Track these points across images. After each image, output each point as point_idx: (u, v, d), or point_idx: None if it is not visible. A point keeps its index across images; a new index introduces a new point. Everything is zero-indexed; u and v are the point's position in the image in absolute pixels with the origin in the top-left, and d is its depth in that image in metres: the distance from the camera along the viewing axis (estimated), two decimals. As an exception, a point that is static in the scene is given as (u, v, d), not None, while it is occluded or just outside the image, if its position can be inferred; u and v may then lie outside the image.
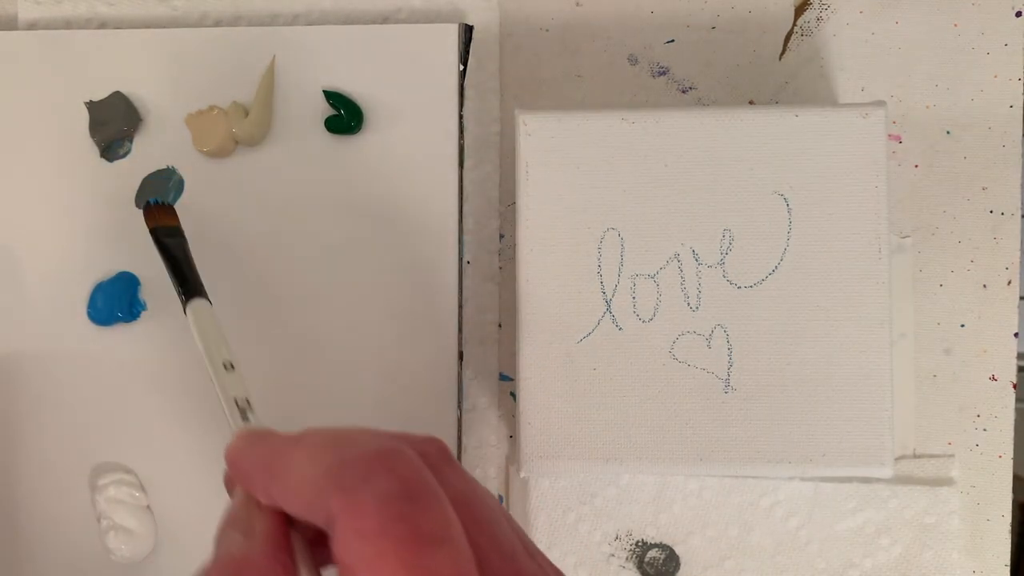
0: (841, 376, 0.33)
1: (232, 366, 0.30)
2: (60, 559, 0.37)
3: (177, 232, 0.35)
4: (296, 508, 0.22)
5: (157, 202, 0.35)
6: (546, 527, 0.37)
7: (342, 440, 0.21)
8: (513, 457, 0.39)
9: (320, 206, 0.38)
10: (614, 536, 0.38)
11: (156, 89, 0.38)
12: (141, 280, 0.38)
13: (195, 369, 0.38)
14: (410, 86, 0.38)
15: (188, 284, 0.32)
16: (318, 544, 0.23)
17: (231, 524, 0.23)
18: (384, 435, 0.22)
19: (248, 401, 0.28)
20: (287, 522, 0.23)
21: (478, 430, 0.39)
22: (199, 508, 0.37)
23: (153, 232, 0.34)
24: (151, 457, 0.37)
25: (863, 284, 0.33)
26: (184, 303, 0.32)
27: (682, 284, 0.34)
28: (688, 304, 0.34)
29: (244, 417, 0.28)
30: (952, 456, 0.38)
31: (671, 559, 0.37)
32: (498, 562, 0.21)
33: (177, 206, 0.38)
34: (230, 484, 0.25)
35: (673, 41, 0.39)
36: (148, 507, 0.37)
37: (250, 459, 0.23)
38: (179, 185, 0.38)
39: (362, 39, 0.38)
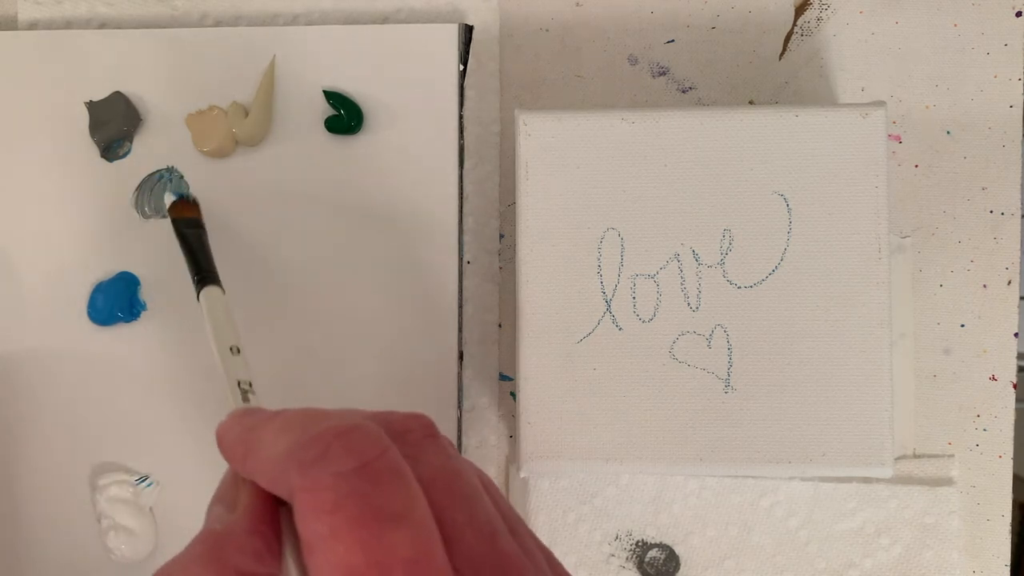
0: (841, 376, 0.33)
1: (238, 350, 0.30)
2: (60, 559, 0.37)
3: (197, 223, 0.35)
4: (265, 482, 0.22)
5: (183, 196, 0.36)
6: (546, 527, 0.37)
7: (312, 418, 0.21)
8: (513, 457, 0.39)
9: (320, 206, 0.38)
10: (614, 536, 0.38)
11: (156, 89, 0.38)
12: (141, 280, 0.38)
13: (195, 369, 0.38)
14: (410, 86, 0.38)
15: (203, 271, 0.33)
16: None
17: (218, 499, 0.23)
18: (360, 413, 0.22)
19: (251, 384, 0.29)
20: (273, 496, 0.22)
21: (478, 430, 0.39)
22: (200, 508, 0.37)
23: (174, 223, 0.35)
24: (151, 457, 0.37)
25: (863, 284, 0.33)
26: (198, 290, 0.33)
27: (682, 284, 0.34)
28: (688, 304, 0.34)
29: (245, 399, 0.29)
30: (952, 456, 0.38)
31: (671, 559, 0.37)
32: (473, 540, 0.20)
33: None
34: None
35: (673, 41, 0.39)
36: (150, 508, 0.37)
37: (232, 434, 0.23)
38: (180, 185, 0.38)
39: (362, 39, 0.38)
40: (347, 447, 0.20)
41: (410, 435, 0.22)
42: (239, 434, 0.23)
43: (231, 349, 0.30)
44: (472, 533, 0.20)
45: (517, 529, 0.22)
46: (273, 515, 0.22)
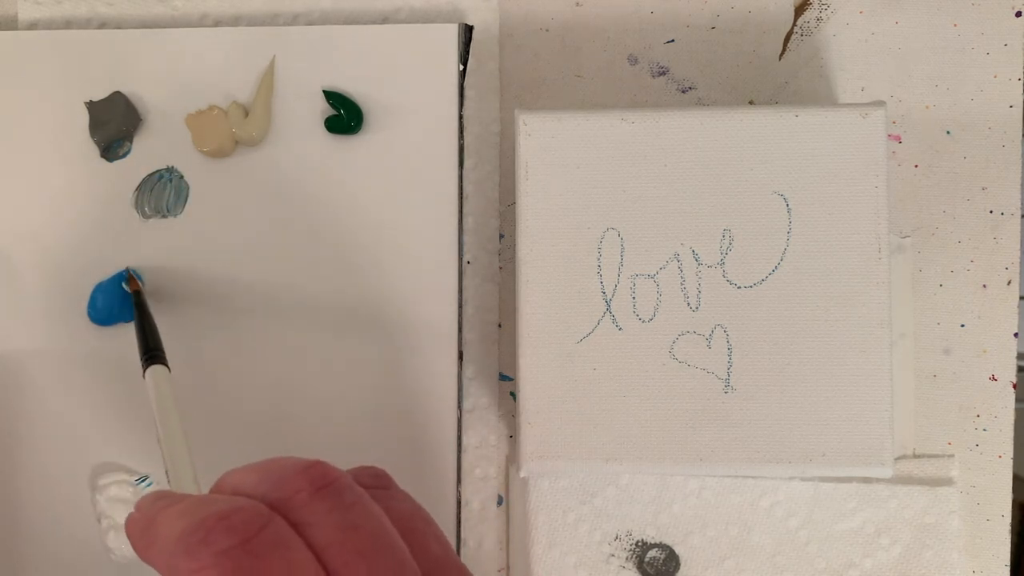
0: (841, 376, 0.33)
1: (159, 441, 0.31)
2: (60, 559, 0.37)
3: (139, 293, 0.36)
4: (164, 571, 0.22)
5: (131, 272, 0.37)
6: (546, 527, 0.37)
7: (201, 504, 0.22)
8: (513, 457, 0.39)
9: (320, 206, 0.38)
10: (614, 536, 0.38)
11: (156, 89, 0.38)
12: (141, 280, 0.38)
13: (195, 368, 0.38)
14: (410, 86, 0.38)
15: (151, 349, 0.34)
16: None
17: None
18: (257, 482, 0.23)
19: (167, 472, 0.30)
20: None
21: (478, 430, 0.39)
22: (199, 508, 0.37)
23: (135, 295, 0.36)
24: (151, 457, 0.37)
25: (863, 284, 0.33)
26: (145, 367, 0.34)
27: (682, 284, 0.34)
28: (688, 304, 0.34)
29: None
30: (952, 456, 0.38)
31: (671, 559, 0.37)
32: None
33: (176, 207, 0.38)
34: None
35: (673, 41, 0.39)
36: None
37: (136, 527, 0.24)
38: (180, 184, 0.38)
39: (362, 39, 0.38)
40: (228, 527, 0.21)
41: (298, 497, 0.22)
42: (141, 527, 0.24)
43: (157, 440, 0.31)
44: None
45: (442, 571, 0.22)
46: None
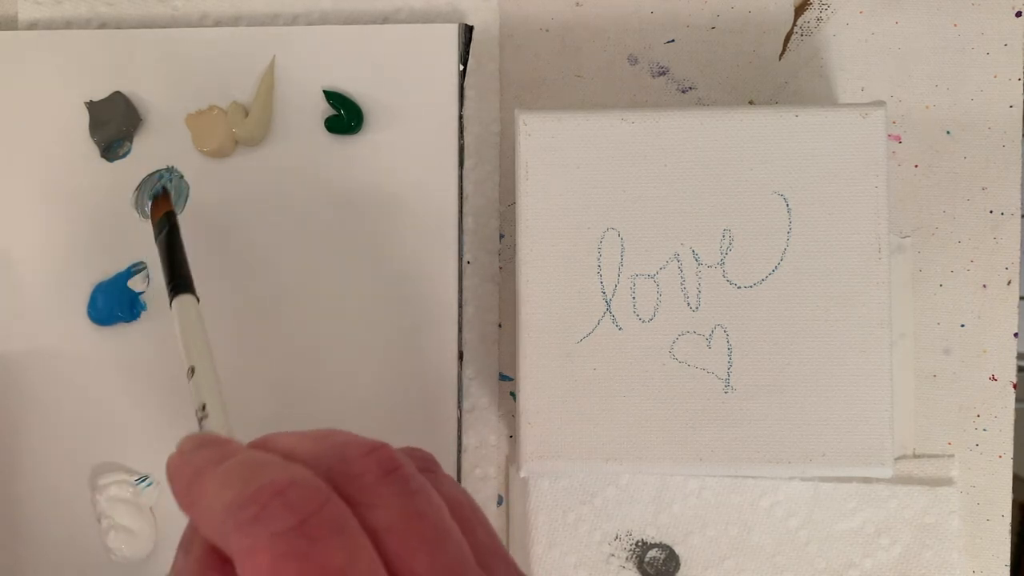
0: (841, 376, 0.33)
1: (193, 371, 0.29)
2: (60, 559, 0.37)
3: (171, 215, 0.34)
4: (208, 536, 0.21)
5: (156, 195, 0.36)
6: (546, 527, 0.37)
7: (252, 470, 0.21)
8: (513, 457, 0.39)
9: (320, 206, 0.38)
10: (614, 536, 0.38)
11: (156, 89, 0.38)
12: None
13: (195, 369, 0.38)
14: (410, 86, 0.38)
15: (178, 277, 0.32)
16: None
17: (180, 544, 0.23)
18: (315, 452, 0.22)
19: (204, 407, 0.28)
20: None
21: (478, 430, 0.39)
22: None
23: (158, 224, 0.34)
24: (151, 457, 0.37)
25: (863, 284, 0.33)
26: (171, 296, 0.32)
27: (682, 284, 0.34)
28: (688, 304, 0.34)
29: (200, 426, 0.28)
30: (952, 456, 0.38)
31: (671, 559, 0.37)
32: None
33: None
34: None
35: (673, 41, 0.39)
36: (150, 508, 0.37)
37: (179, 480, 0.23)
38: (180, 184, 0.38)
39: (362, 39, 0.38)
40: (284, 504, 0.19)
41: (364, 478, 0.21)
42: (185, 481, 0.22)
43: (188, 371, 0.29)
44: None
45: (493, 567, 0.21)
46: (223, 564, 0.21)
